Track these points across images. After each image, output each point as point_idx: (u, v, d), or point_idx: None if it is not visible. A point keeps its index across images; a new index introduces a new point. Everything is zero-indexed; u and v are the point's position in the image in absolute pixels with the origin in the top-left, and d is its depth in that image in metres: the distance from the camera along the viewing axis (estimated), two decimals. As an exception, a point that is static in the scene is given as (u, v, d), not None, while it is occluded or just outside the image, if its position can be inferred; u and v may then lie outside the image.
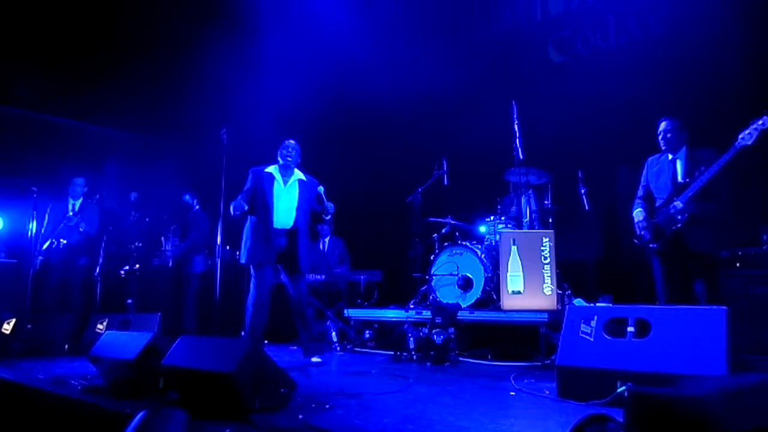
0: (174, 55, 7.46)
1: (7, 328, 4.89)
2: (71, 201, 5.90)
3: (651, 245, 3.84)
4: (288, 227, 4.30)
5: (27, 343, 4.67)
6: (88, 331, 4.84)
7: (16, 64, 6.73)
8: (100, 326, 4.76)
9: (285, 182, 4.35)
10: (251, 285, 4.21)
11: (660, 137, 3.91)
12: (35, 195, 5.86)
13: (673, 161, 3.88)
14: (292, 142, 4.46)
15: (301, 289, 4.31)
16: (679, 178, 3.80)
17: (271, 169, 4.40)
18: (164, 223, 6.44)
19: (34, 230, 5.68)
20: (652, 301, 3.88)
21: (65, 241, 5.70)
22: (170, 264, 6.11)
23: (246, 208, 4.13)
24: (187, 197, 6.16)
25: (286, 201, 4.32)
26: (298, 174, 4.44)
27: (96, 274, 6.18)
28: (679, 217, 3.66)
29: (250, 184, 4.32)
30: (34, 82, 6.85)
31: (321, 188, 4.46)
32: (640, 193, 4.07)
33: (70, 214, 5.77)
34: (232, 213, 4.07)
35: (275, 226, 4.22)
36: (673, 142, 3.86)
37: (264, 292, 4.15)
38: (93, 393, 2.88)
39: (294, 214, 4.33)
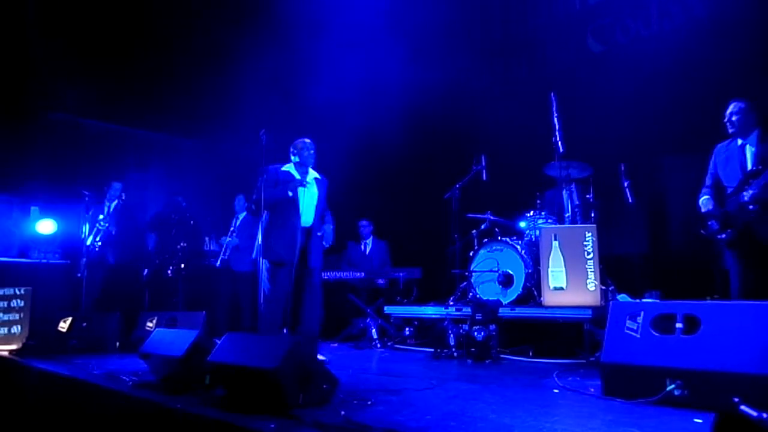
0: (214, 61, 7.63)
1: (63, 326, 5.12)
2: (107, 204, 6.14)
3: (719, 236, 3.63)
4: (308, 225, 4.30)
5: (82, 341, 4.87)
6: (138, 328, 5.02)
7: (64, 71, 7.01)
8: (149, 324, 4.92)
9: (304, 180, 4.34)
10: (265, 280, 4.17)
11: (725, 120, 3.72)
12: (87, 198, 6.13)
13: (743, 147, 3.67)
14: (308, 141, 4.40)
15: (315, 284, 4.30)
16: (749, 165, 3.58)
17: (288, 167, 4.37)
18: (208, 224, 6.61)
19: (87, 232, 5.94)
20: (700, 297, 3.74)
21: (99, 243, 5.95)
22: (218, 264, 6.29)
23: (290, 194, 4.16)
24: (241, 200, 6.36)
25: (308, 199, 4.32)
26: (313, 173, 4.45)
27: (144, 274, 6.41)
28: (751, 207, 3.44)
29: (273, 178, 4.26)
30: (81, 89, 7.12)
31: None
32: (707, 182, 3.86)
33: (101, 216, 6.02)
34: (267, 203, 4.12)
35: (302, 224, 4.22)
36: (740, 126, 3.64)
37: (282, 289, 4.13)
38: (144, 388, 3.00)
39: (313, 212, 4.34)
